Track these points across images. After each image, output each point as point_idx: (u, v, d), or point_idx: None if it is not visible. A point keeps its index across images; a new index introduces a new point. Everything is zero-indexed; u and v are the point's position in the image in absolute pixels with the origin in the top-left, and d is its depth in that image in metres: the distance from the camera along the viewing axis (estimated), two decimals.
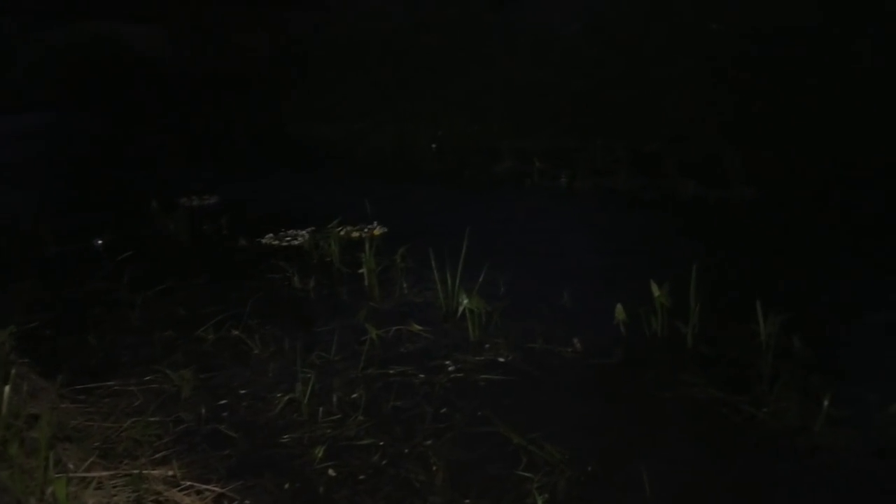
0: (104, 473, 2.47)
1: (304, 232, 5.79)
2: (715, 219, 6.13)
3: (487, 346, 3.58)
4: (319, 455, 2.64)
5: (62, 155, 12.64)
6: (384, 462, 2.60)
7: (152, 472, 2.53)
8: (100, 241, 5.76)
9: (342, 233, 5.55)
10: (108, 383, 3.31)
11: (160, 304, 4.32)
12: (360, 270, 4.66)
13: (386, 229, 5.87)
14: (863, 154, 6.92)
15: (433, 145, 11.04)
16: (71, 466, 2.47)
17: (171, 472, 2.54)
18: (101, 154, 12.08)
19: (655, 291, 3.54)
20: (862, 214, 5.98)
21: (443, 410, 2.95)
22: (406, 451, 2.66)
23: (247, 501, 2.40)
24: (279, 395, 3.13)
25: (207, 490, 2.44)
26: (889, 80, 7.30)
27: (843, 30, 8.05)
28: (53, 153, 12.85)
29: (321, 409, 2.99)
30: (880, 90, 7.31)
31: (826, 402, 2.65)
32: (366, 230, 5.80)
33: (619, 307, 3.60)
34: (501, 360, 3.42)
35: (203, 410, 3.04)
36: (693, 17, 9.68)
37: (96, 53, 20.72)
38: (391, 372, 3.33)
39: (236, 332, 3.81)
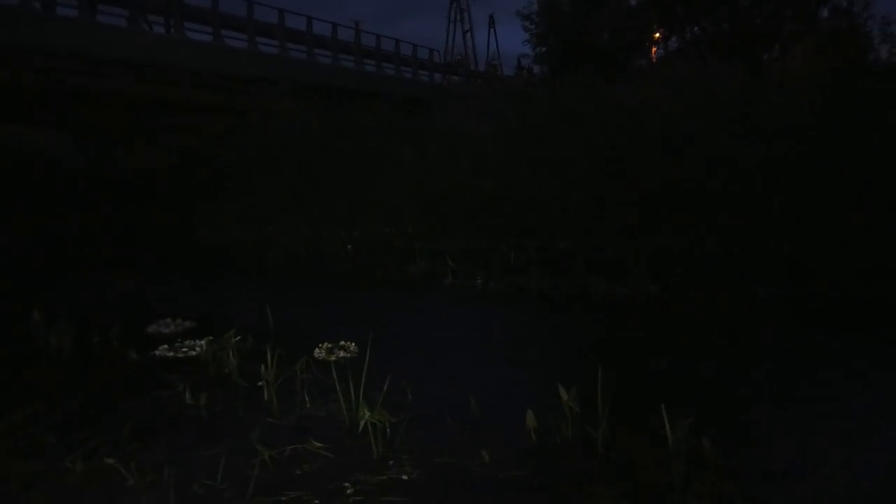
0: None
1: (202, 342, 5.42)
2: (622, 316, 6.20)
3: (391, 462, 3.33)
4: None
5: None
6: None
7: None
8: None
9: (318, 354, 4.83)
10: None
11: (24, 431, 3.83)
12: (259, 383, 4.35)
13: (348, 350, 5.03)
14: (755, 246, 7.29)
15: (348, 246, 10.94)
16: None
17: None
18: None
19: (564, 396, 3.44)
20: (761, 308, 6.20)
21: None
22: None
23: None
24: None
25: None
26: (766, 176, 7.84)
27: (728, 132, 8.68)
28: None
29: None
30: (767, 186, 7.83)
31: None
32: (338, 348, 4.98)
33: (529, 414, 3.46)
34: (405, 478, 3.17)
35: None
36: (594, 122, 10.26)
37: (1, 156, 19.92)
38: (283, 499, 3.01)
39: (110, 461, 3.39)
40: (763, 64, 18.23)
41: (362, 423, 3.55)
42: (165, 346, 5.45)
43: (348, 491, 3.08)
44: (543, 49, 23.31)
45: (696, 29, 20.97)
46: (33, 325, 5.73)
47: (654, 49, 22.24)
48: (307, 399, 4.15)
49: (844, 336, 5.48)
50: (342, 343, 5.04)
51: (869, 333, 5.53)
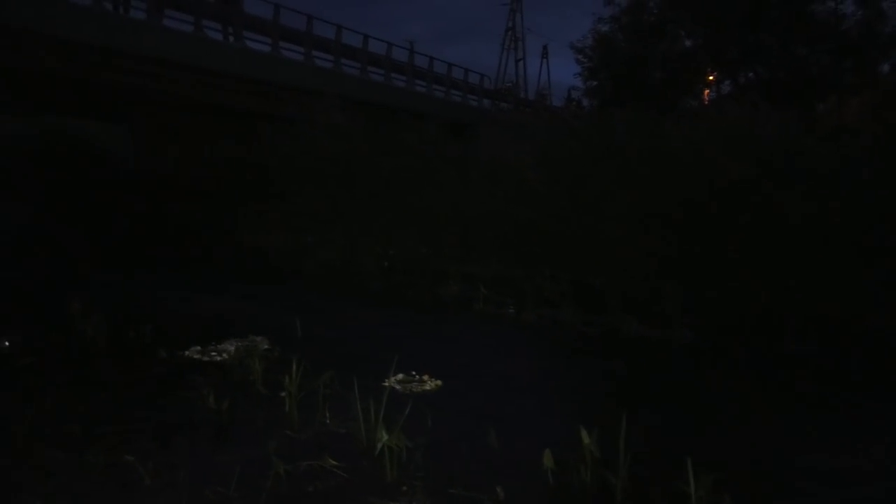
0: None
1: (231, 347, 5.50)
2: (653, 361, 6.08)
3: (404, 488, 3.30)
4: None
5: None
6: None
7: None
8: (6, 343, 5.34)
9: (389, 384, 4.64)
10: None
11: (53, 421, 3.91)
12: (282, 394, 4.38)
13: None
14: (794, 298, 7.10)
15: (385, 263, 11.00)
16: None
17: None
18: (35, 250, 11.63)
19: (585, 439, 3.37)
20: (794, 364, 6.02)
21: None
22: None
23: None
24: None
25: None
26: (811, 231, 7.65)
27: (773, 182, 8.51)
28: None
29: None
30: (806, 239, 7.64)
31: None
32: (417, 379, 4.94)
33: (546, 453, 3.40)
34: None
35: None
36: (636, 159, 10.17)
37: (54, 146, 20.60)
38: None
39: (130, 458, 3.44)
40: (817, 114, 17.89)
41: (379, 445, 3.54)
42: (199, 347, 5.53)
43: None
44: (594, 83, 23.30)
45: (749, 74, 20.72)
46: (72, 316, 5.88)
47: (706, 91, 22.03)
48: (327, 415, 4.16)
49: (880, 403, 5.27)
50: (422, 377, 4.98)
51: None
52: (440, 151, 13.54)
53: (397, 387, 4.75)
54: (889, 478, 3.76)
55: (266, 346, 5.23)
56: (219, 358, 5.34)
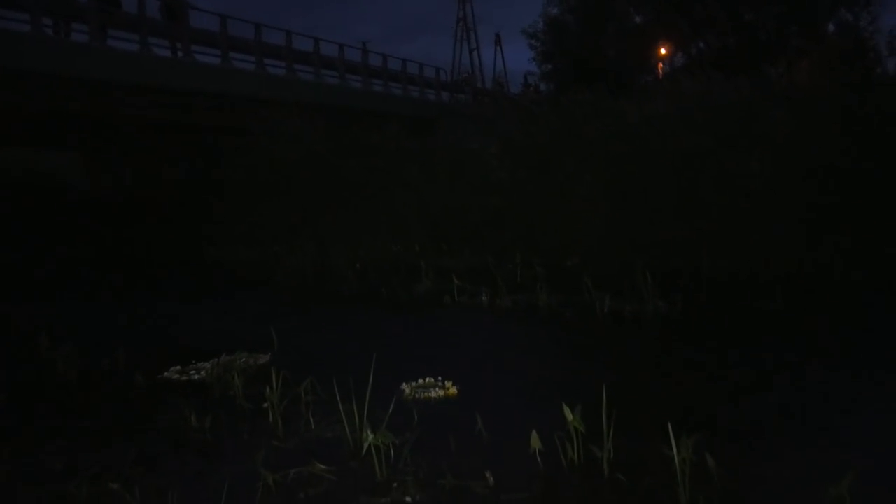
0: None
1: (207, 364, 5.43)
2: (629, 334, 6.16)
3: (395, 485, 3.31)
4: None
5: None
6: None
7: None
8: None
9: (411, 394, 4.56)
10: None
11: (31, 454, 3.84)
12: (265, 405, 4.35)
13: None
14: (762, 263, 7.25)
15: (357, 265, 10.94)
16: None
17: None
18: None
19: (569, 416, 3.41)
20: (769, 329, 6.15)
21: None
22: None
23: None
24: None
25: None
26: (777, 201, 7.82)
27: (735, 153, 8.67)
28: None
29: None
30: (771, 208, 7.80)
31: None
32: (439, 386, 4.72)
33: (533, 435, 3.43)
34: (409, 500, 3.16)
35: None
36: (599, 141, 10.26)
37: (10, 176, 20.10)
38: None
39: (114, 486, 3.39)
40: (770, 79, 18.23)
41: (366, 445, 3.54)
42: (178, 367, 5.46)
43: None
44: (549, 66, 23.47)
45: (701, 45, 21.05)
46: (41, 349, 5.76)
47: (659, 66, 22.32)
48: (312, 421, 4.15)
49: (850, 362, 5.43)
50: (438, 381, 4.84)
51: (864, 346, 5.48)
52: (402, 148, 13.50)
53: (407, 390, 4.69)
54: None
55: (243, 360, 5.18)
56: (197, 377, 5.27)
